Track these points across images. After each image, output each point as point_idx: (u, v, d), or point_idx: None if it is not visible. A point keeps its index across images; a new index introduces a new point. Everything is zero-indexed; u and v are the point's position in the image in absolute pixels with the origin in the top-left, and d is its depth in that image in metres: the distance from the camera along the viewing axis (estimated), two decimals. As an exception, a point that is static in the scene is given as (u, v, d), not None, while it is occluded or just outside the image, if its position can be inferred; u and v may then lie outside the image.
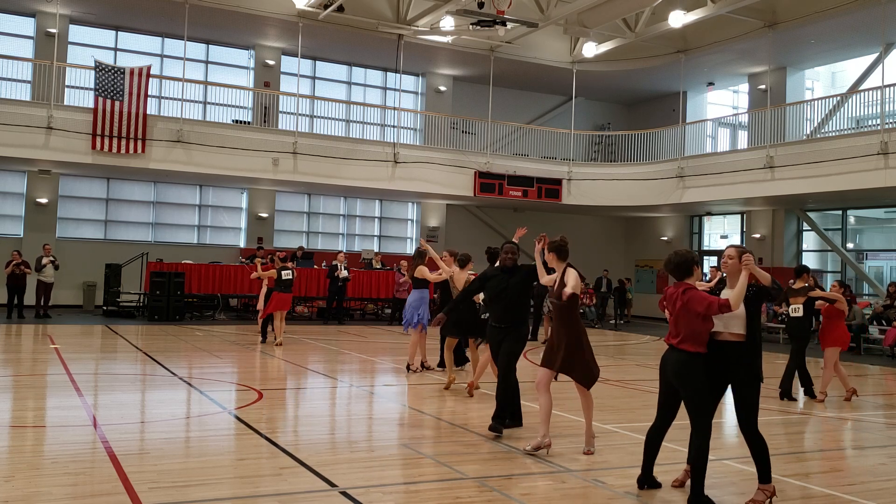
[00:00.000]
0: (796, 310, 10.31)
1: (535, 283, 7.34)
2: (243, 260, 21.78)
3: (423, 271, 11.46)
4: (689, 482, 5.42)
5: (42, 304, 18.61)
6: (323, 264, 21.63)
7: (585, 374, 6.56)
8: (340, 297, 20.40)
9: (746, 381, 5.32)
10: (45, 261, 18.73)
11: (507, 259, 7.60)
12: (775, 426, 8.70)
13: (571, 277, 6.52)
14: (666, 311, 5.62)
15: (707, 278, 5.56)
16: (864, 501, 5.53)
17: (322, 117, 24.04)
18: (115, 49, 22.42)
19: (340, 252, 20.61)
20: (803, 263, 13.03)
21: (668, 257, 5.57)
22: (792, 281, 10.60)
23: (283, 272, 14.40)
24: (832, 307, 10.31)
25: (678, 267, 5.47)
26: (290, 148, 20.93)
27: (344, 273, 19.93)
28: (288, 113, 22.98)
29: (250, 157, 20.52)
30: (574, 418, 8.17)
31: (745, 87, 25.83)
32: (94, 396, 8.80)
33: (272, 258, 15.55)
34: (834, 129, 21.57)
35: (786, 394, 10.17)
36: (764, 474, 5.36)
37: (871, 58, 21.45)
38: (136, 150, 19.28)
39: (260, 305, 15.40)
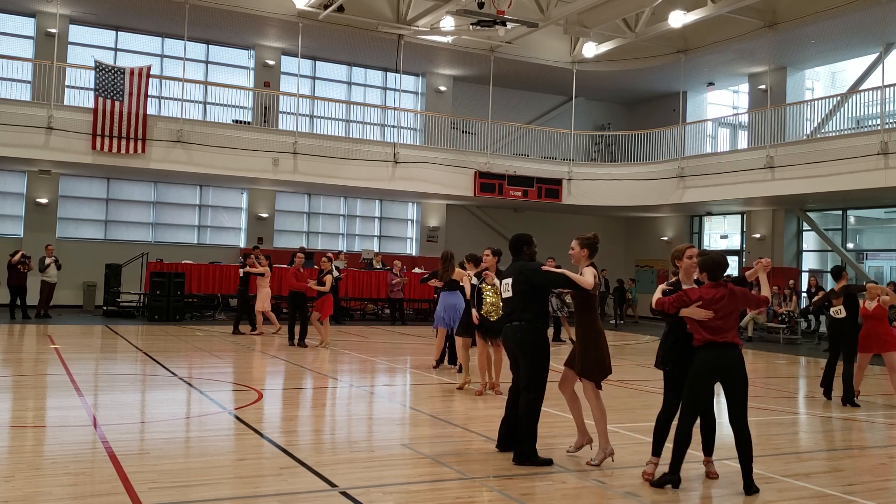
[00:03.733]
0: (839, 311, 9.96)
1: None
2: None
3: (459, 273, 10.81)
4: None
5: (45, 304, 18.61)
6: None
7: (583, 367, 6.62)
8: (335, 297, 20.34)
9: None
10: (48, 261, 18.72)
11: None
12: (776, 426, 8.70)
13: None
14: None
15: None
16: (864, 501, 5.53)
17: (322, 117, 24.03)
18: (115, 49, 22.42)
19: (333, 252, 20.56)
20: (838, 265, 12.58)
21: (706, 257, 5.85)
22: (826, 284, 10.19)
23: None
24: (881, 308, 9.71)
25: (720, 266, 5.78)
26: (290, 148, 20.92)
27: (335, 273, 19.89)
28: (288, 113, 22.98)
29: (250, 157, 20.52)
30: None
31: (745, 87, 25.83)
32: (94, 396, 8.79)
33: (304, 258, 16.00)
34: (834, 129, 21.56)
35: (848, 400, 9.81)
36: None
37: (871, 58, 21.45)
38: (136, 150, 19.28)
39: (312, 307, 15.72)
